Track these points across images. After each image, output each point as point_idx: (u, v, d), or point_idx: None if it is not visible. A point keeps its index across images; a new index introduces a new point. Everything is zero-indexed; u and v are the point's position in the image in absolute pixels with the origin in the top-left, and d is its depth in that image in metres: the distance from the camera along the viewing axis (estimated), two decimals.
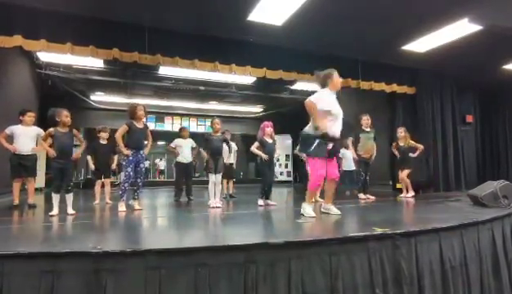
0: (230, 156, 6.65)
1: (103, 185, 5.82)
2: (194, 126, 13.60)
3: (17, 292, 2.02)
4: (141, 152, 4.73)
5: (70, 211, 4.25)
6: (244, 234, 3.17)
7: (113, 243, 2.75)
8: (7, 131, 5.00)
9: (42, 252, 2.12)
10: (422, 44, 6.64)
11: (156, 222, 4.12)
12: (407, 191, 6.48)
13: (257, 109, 13.79)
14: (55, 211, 4.15)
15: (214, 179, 5.06)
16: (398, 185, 8.19)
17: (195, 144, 6.13)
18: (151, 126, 12.28)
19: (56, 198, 4.23)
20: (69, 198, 4.32)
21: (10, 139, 5.06)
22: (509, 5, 5.24)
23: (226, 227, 3.75)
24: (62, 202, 4.29)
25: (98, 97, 11.42)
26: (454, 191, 7.99)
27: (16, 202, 5.07)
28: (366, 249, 2.59)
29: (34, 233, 3.36)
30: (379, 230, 2.77)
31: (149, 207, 5.56)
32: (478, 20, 5.41)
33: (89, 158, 5.75)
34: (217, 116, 13.47)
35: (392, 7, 5.31)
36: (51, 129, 4.24)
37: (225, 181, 6.91)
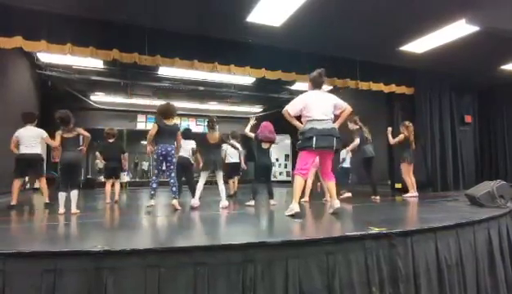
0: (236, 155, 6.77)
1: (113, 185, 5.96)
2: (193, 126, 13.63)
3: (19, 291, 2.05)
4: (170, 147, 4.69)
5: (74, 209, 4.33)
6: (243, 234, 3.21)
7: (113, 242, 2.78)
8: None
9: (43, 251, 2.16)
10: (420, 45, 6.67)
11: (156, 222, 4.15)
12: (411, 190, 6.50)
13: (256, 109, 13.82)
14: (61, 210, 4.23)
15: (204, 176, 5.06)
16: (397, 185, 8.24)
17: (194, 147, 6.15)
18: (151, 126, 12.29)
19: (62, 196, 4.32)
20: (74, 195, 4.41)
21: None
22: (506, 7, 5.27)
23: (224, 226, 3.79)
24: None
25: (98, 97, 11.44)
26: (452, 191, 8.03)
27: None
28: (362, 248, 2.63)
29: (37, 233, 3.39)
30: (375, 229, 2.80)
31: (151, 207, 5.58)
32: (476, 21, 5.44)
33: (98, 155, 5.95)
34: (217, 116, 13.56)
35: (390, 8, 5.35)
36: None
37: (231, 180, 7.00)
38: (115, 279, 2.10)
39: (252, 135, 5.40)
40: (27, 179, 5.71)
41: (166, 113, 4.83)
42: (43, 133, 5.32)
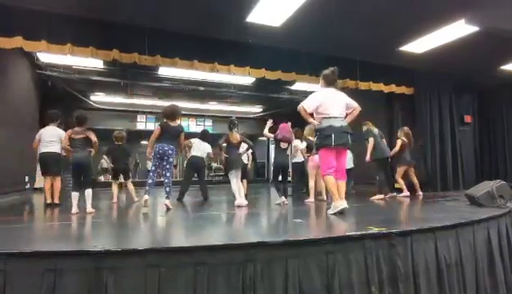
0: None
1: (125, 186, 6.07)
2: (193, 126, 13.65)
3: (19, 291, 2.06)
4: (167, 146, 4.75)
5: (89, 208, 4.38)
6: (243, 234, 3.22)
7: (114, 242, 2.79)
8: None
9: (44, 251, 2.16)
10: (420, 45, 6.66)
11: (156, 221, 4.16)
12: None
13: (256, 110, 13.82)
14: (74, 209, 4.26)
15: (235, 175, 5.22)
16: (397, 185, 8.24)
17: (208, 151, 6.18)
18: (151, 126, 12.32)
19: (74, 196, 4.36)
20: (89, 194, 4.48)
21: None
22: (506, 7, 5.27)
23: (225, 226, 3.79)
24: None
25: (98, 97, 11.44)
26: (452, 191, 8.03)
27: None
28: (362, 248, 2.64)
29: (41, 232, 3.40)
30: (375, 229, 2.81)
31: (149, 206, 5.59)
32: (475, 21, 5.44)
33: (105, 157, 6.00)
34: (217, 116, 13.57)
35: (390, 8, 5.35)
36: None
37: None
38: (115, 279, 2.10)
39: (271, 135, 5.58)
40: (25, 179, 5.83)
41: (170, 114, 4.96)
42: (62, 134, 5.34)
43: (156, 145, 4.77)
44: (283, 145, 5.44)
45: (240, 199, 5.08)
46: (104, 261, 2.12)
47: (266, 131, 5.70)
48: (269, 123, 5.77)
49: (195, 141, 6.14)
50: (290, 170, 7.08)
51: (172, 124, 4.90)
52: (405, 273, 2.73)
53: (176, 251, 2.27)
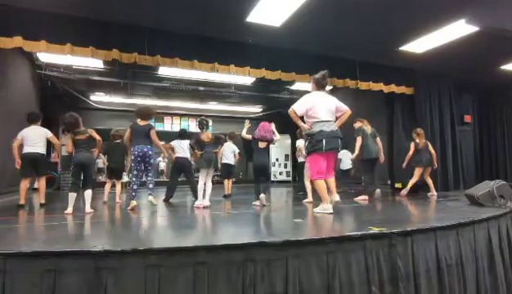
0: (229, 156, 6.78)
1: (113, 185, 5.99)
2: (193, 126, 13.65)
3: (19, 290, 2.06)
4: (146, 147, 4.79)
5: (88, 209, 4.39)
6: (243, 234, 3.21)
7: (113, 242, 2.78)
8: None
9: (44, 251, 2.16)
10: (420, 45, 6.66)
11: (156, 222, 4.16)
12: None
13: (256, 110, 13.82)
14: (69, 210, 4.26)
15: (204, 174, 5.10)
16: (397, 185, 8.24)
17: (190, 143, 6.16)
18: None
19: (72, 197, 4.35)
20: (89, 194, 4.49)
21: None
22: (505, 7, 5.27)
23: (225, 226, 3.79)
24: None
25: (98, 97, 11.43)
26: (452, 191, 8.03)
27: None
28: (362, 248, 2.64)
29: (38, 233, 3.39)
30: (375, 229, 2.81)
31: (149, 206, 5.58)
32: (475, 21, 5.44)
33: (102, 156, 5.98)
34: (217, 116, 13.57)
35: (390, 8, 5.35)
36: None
37: (225, 181, 7.01)
38: (115, 279, 2.10)
39: (249, 136, 5.49)
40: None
41: (140, 114, 5.03)
42: (48, 133, 5.38)
43: (134, 148, 4.80)
44: (261, 145, 5.33)
45: (202, 200, 4.99)
46: (104, 261, 2.12)
47: (244, 132, 5.62)
48: (247, 125, 5.75)
49: (174, 143, 6.13)
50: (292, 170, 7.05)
51: (142, 123, 4.94)
52: (405, 273, 2.73)
53: (176, 251, 2.27)
